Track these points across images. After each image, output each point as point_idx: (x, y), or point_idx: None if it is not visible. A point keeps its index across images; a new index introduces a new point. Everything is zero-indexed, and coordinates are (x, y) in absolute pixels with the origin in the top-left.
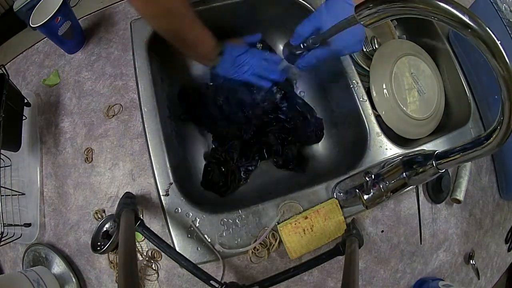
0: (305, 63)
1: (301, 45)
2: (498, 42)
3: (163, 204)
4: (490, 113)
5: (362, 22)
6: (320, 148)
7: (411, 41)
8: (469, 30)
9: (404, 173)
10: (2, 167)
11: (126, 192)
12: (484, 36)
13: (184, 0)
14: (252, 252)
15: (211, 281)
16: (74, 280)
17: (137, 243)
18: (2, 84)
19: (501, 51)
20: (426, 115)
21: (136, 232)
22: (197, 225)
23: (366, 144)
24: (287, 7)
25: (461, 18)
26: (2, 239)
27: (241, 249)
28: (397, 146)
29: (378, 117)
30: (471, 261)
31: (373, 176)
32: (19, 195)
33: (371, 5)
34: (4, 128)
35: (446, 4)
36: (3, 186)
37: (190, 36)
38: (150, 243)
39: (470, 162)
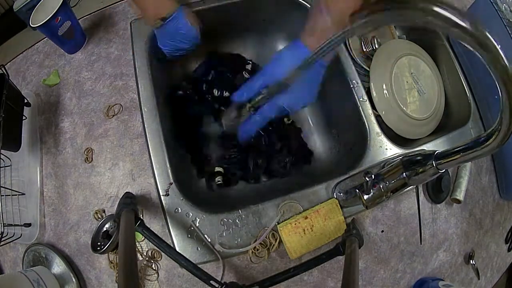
0: (249, 129)
1: (247, 104)
2: (498, 47)
3: (163, 204)
4: (490, 113)
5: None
6: (320, 148)
7: (411, 41)
8: (469, 36)
9: (404, 173)
10: (2, 167)
11: (126, 192)
12: (482, 40)
13: None
14: (252, 252)
15: (211, 281)
16: (74, 280)
17: (137, 243)
18: (2, 84)
19: (501, 56)
20: (426, 115)
21: (136, 232)
22: (197, 225)
23: (366, 144)
24: (287, 7)
25: (457, 22)
26: (2, 239)
27: (241, 249)
28: (397, 146)
29: (378, 117)
30: (471, 261)
31: (373, 176)
32: (19, 195)
33: (365, 13)
34: (4, 128)
35: (441, 9)
36: (3, 186)
37: None
38: (150, 243)
39: (470, 162)
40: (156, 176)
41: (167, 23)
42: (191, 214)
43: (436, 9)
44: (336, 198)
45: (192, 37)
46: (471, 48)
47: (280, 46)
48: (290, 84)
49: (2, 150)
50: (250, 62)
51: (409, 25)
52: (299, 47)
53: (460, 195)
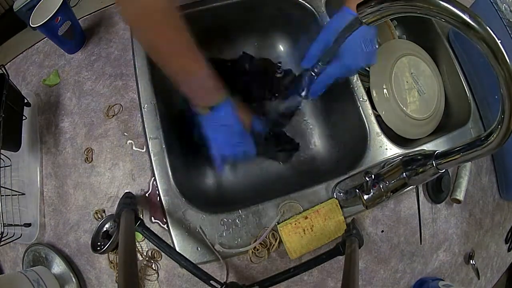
0: (319, 89)
1: (314, 68)
2: (499, 41)
3: (163, 204)
4: (490, 113)
5: (364, 20)
6: (320, 148)
7: (411, 41)
8: (470, 29)
9: (404, 173)
10: (2, 167)
11: (126, 192)
12: (484, 35)
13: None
14: (252, 252)
15: (211, 281)
16: (74, 280)
17: (137, 243)
18: (2, 84)
19: (501, 49)
20: (426, 115)
21: (136, 232)
22: (197, 225)
23: (366, 144)
24: (287, 7)
25: (461, 17)
26: (2, 239)
27: (241, 249)
28: (397, 146)
29: (378, 117)
30: (471, 261)
31: (373, 176)
32: (19, 195)
33: (373, 3)
34: (4, 128)
35: (447, 3)
36: (3, 186)
37: (176, 62)
38: (150, 243)
39: (470, 162)
40: (156, 176)
41: (216, 112)
42: (191, 214)
43: (444, 4)
44: (336, 198)
45: (240, 133)
46: (476, 45)
47: (281, 47)
48: (341, 46)
49: (2, 150)
50: (280, 65)
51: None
52: (345, 12)
53: (460, 195)
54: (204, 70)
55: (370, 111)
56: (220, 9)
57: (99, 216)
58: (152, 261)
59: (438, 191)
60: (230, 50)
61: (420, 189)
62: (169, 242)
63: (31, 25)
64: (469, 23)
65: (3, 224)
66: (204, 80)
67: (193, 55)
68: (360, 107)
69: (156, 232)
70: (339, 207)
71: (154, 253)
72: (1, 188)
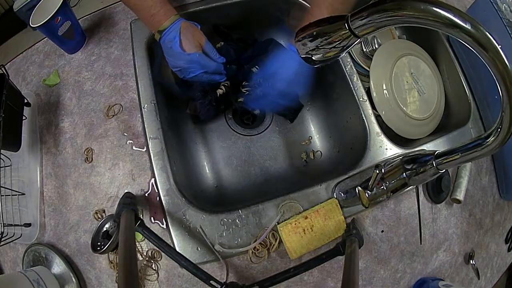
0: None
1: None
2: (499, 47)
3: (163, 204)
4: (490, 113)
5: (356, 32)
6: (320, 148)
7: (411, 41)
8: (466, 35)
9: (404, 173)
10: (2, 167)
11: (126, 192)
12: (482, 39)
13: None
14: (252, 252)
15: (211, 281)
16: (74, 280)
17: (137, 243)
18: (2, 84)
19: (501, 56)
20: (426, 115)
21: (136, 232)
22: (197, 225)
23: (366, 144)
24: (287, 7)
25: (452, 19)
26: (2, 239)
27: (241, 249)
28: (397, 146)
29: (378, 117)
30: (471, 261)
31: (383, 170)
32: (19, 195)
33: (364, 14)
34: (4, 128)
35: (435, 6)
36: (3, 186)
37: None
38: (150, 243)
39: (470, 162)
40: (156, 176)
41: (163, 36)
42: (191, 214)
43: (437, 10)
44: (336, 198)
45: (179, 53)
46: (471, 48)
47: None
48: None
49: (2, 150)
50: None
51: (410, 25)
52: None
53: (460, 195)
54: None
55: (370, 111)
56: (220, 9)
57: (99, 216)
58: (152, 261)
59: (438, 191)
60: None
61: (420, 189)
62: (169, 242)
63: (31, 25)
64: (459, 23)
65: (3, 224)
66: (152, 7)
67: None
68: (360, 107)
69: (156, 232)
70: (339, 207)
71: (154, 253)
72: (1, 188)
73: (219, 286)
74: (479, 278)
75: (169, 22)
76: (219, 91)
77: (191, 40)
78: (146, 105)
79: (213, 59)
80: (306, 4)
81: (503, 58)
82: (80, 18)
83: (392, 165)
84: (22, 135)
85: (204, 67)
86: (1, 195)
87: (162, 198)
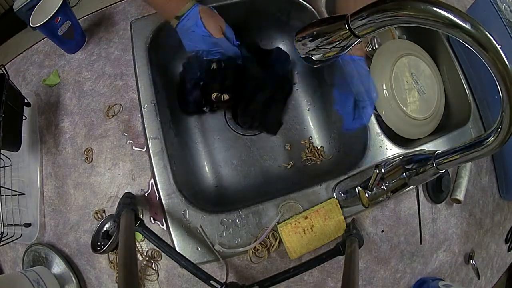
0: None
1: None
2: (499, 47)
3: (163, 204)
4: (490, 113)
5: (356, 32)
6: (320, 148)
7: (411, 41)
8: (466, 35)
9: (404, 173)
10: (2, 167)
11: (126, 192)
12: (482, 39)
13: None
14: (252, 252)
15: (211, 281)
16: (74, 280)
17: (137, 243)
18: (2, 84)
19: (501, 56)
20: (426, 115)
21: (136, 232)
22: (198, 225)
23: (366, 144)
24: (287, 7)
25: (451, 19)
26: (2, 239)
27: (241, 249)
28: (397, 146)
29: (378, 117)
30: (471, 261)
31: (383, 170)
32: (19, 195)
33: (364, 14)
34: (4, 128)
35: (440, 9)
36: (3, 186)
37: None
38: (150, 243)
39: (470, 162)
40: (156, 176)
41: (182, 21)
42: (191, 214)
43: (437, 10)
44: (336, 198)
45: (204, 36)
46: (471, 48)
47: (281, 47)
48: None
49: (2, 150)
50: None
51: (410, 25)
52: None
53: (460, 195)
54: None
55: None
56: (220, 9)
57: (99, 216)
58: (152, 261)
59: (438, 191)
60: None
61: (420, 189)
62: (169, 242)
63: (31, 25)
64: (459, 23)
65: (3, 224)
66: None
67: None
68: None
69: (156, 232)
70: (339, 207)
71: (154, 253)
72: (1, 188)
73: (219, 286)
74: (479, 278)
75: (188, 6)
76: (213, 66)
77: (214, 24)
78: (146, 105)
79: (232, 43)
80: (306, 4)
81: (503, 58)
82: (80, 18)
83: (392, 165)
84: (22, 135)
85: (225, 50)
86: (1, 195)
87: (162, 198)
